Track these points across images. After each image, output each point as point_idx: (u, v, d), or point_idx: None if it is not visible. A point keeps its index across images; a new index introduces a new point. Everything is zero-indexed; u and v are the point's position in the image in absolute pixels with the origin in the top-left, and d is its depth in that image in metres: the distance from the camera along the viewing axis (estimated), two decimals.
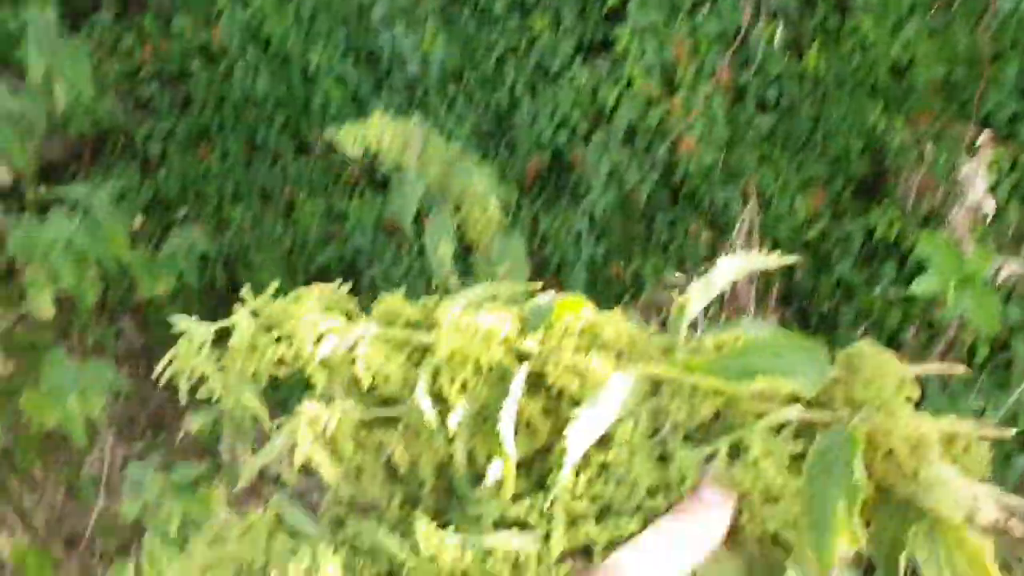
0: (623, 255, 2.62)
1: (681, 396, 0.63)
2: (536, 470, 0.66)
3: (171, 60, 3.31)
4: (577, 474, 0.62)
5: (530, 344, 0.65)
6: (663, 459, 0.63)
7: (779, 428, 0.63)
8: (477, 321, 0.65)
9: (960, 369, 0.67)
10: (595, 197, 2.59)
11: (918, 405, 0.63)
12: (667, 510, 0.62)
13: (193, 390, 0.67)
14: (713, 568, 0.63)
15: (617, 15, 2.52)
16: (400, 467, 0.66)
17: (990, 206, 1.96)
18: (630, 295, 2.59)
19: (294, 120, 3.20)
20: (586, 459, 0.62)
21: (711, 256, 2.41)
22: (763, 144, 2.43)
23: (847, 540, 0.57)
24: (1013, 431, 0.61)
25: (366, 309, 0.69)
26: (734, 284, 2.23)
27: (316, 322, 0.65)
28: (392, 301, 0.68)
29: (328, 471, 0.66)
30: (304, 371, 0.65)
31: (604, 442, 0.63)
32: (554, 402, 0.66)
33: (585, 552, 0.63)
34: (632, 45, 2.45)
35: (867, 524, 0.60)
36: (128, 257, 1.81)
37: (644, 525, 0.62)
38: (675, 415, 0.63)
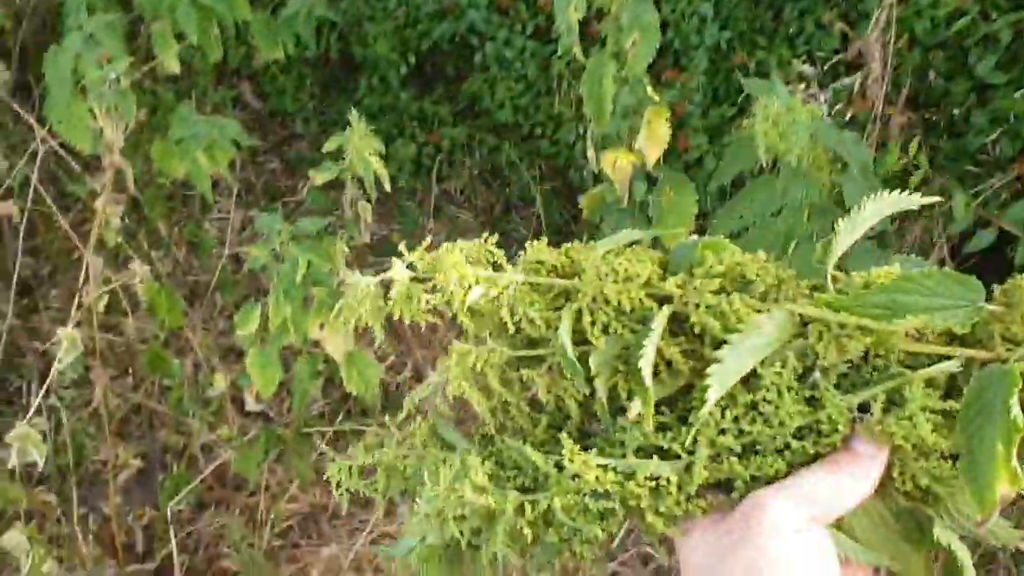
0: (748, 44, 2.51)
1: (829, 336, 0.62)
2: (679, 408, 0.67)
3: None
4: (723, 411, 0.63)
5: (671, 286, 0.66)
6: (812, 402, 0.63)
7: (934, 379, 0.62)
8: (619, 265, 0.67)
9: None
10: None
11: None
12: (814, 455, 0.62)
13: None
14: (859, 517, 0.63)
15: None
16: (545, 403, 0.69)
17: None
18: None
19: None
20: (732, 398, 0.63)
21: (842, 50, 2.30)
22: None
23: (1007, 482, 0.55)
24: None
25: (512, 255, 0.72)
26: (864, 81, 2.12)
27: (464, 273, 0.68)
28: (537, 250, 0.70)
29: (478, 404, 0.69)
30: (455, 317, 0.68)
31: (751, 382, 0.63)
32: (696, 343, 0.66)
33: (726, 487, 0.64)
34: None
35: None
36: (248, 17, 1.81)
37: (789, 467, 0.62)
38: (824, 356, 0.63)
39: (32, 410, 1.41)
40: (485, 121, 3.19)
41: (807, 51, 2.40)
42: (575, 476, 0.63)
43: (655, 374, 0.64)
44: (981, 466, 0.56)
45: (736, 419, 0.63)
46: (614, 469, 0.63)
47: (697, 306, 0.65)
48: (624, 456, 0.64)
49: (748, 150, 1.23)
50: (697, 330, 0.65)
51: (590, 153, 1.69)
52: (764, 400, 0.62)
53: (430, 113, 3.20)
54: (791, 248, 1.22)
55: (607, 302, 0.67)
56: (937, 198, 0.69)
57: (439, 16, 3.06)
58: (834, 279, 0.65)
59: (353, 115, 1.49)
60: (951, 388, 0.62)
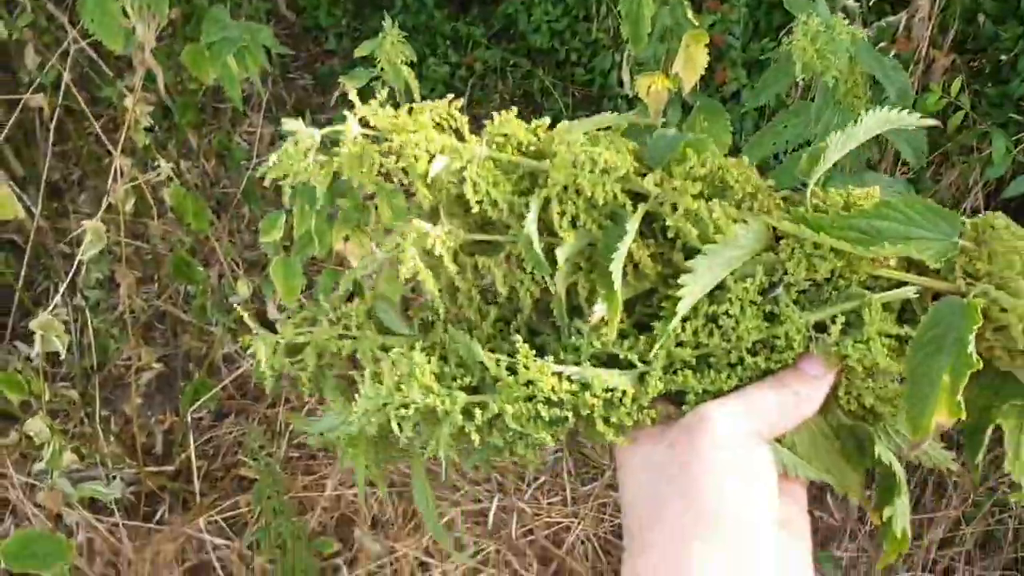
0: None
1: (801, 253, 0.61)
2: (638, 312, 0.65)
3: None
4: (683, 322, 0.62)
5: (649, 184, 0.63)
6: (770, 317, 0.62)
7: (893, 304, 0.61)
8: (595, 154, 0.62)
9: None
10: None
11: None
12: (766, 370, 0.62)
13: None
14: (800, 431, 0.63)
15: None
16: (499, 293, 0.65)
17: None
18: None
19: None
20: (695, 309, 0.62)
21: None
22: None
23: (947, 413, 0.55)
24: None
25: (479, 126, 0.66)
26: (910, 20, 2.07)
27: (428, 139, 0.62)
28: (505, 121, 0.64)
29: (429, 286, 0.64)
30: (412, 186, 0.64)
31: (715, 294, 0.62)
32: (666, 246, 0.64)
33: (676, 398, 0.63)
34: None
35: None
36: None
37: (740, 382, 0.62)
38: (792, 273, 0.62)
39: (54, 301, 1.43)
40: (520, 45, 3.15)
41: None
42: (529, 383, 0.61)
43: (621, 274, 0.61)
44: (924, 393, 0.56)
45: (696, 331, 0.62)
46: (569, 378, 0.61)
47: (675, 208, 0.62)
48: (579, 363, 0.62)
49: (785, 71, 1.20)
50: (670, 234, 0.63)
51: (625, 76, 1.66)
52: (726, 314, 0.61)
53: (464, 34, 3.16)
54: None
55: (579, 193, 0.63)
56: (931, 121, 0.67)
57: None
58: (812, 195, 0.63)
59: (387, 22, 1.47)
60: (904, 313, 0.62)
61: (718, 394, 0.61)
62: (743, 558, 0.55)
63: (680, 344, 0.62)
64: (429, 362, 0.62)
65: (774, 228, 0.62)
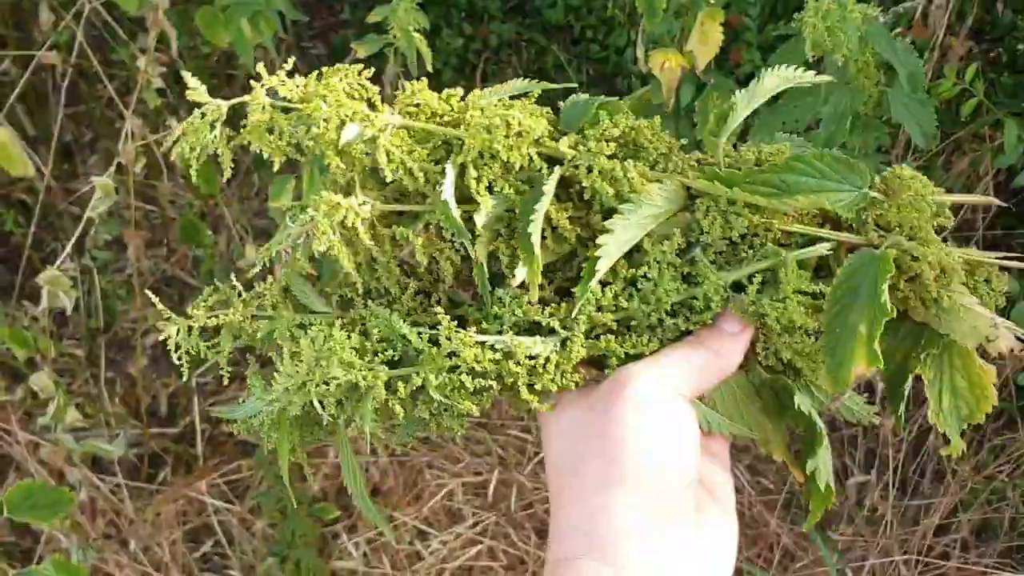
0: None
1: (716, 211, 0.62)
2: (559, 279, 0.65)
3: None
4: (603, 287, 0.62)
5: (564, 146, 0.62)
6: (688, 278, 0.63)
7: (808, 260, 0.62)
8: (509, 119, 0.61)
9: (996, 201, 0.67)
10: None
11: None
12: (685, 331, 0.63)
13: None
14: (721, 389, 0.63)
15: None
16: (419, 264, 0.64)
17: None
18: None
19: None
20: (614, 273, 0.62)
21: None
22: None
23: (866, 363, 0.56)
24: None
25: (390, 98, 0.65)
26: (927, 6, 2.06)
27: (339, 107, 0.61)
28: (416, 90, 0.64)
29: (345, 261, 0.63)
30: (322, 157, 0.62)
31: (634, 257, 0.62)
32: (583, 209, 0.64)
33: (599, 363, 0.63)
34: None
35: None
36: None
37: (661, 344, 0.62)
38: (709, 232, 0.62)
39: (61, 257, 1.43)
40: (535, 20, 3.13)
41: None
42: (451, 354, 0.60)
43: (541, 238, 0.61)
44: (842, 344, 0.57)
45: (616, 295, 0.62)
46: (492, 347, 0.61)
47: (590, 170, 0.62)
48: (501, 331, 0.62)
49: (797, 51, 1.19)
50: (587, 195, 0.63)
51: (639, 53, 1.65)
52: (644, 277, 0.62)
53: (480, 7, 3.14)
54: None
55: (494, 157, 0.62)
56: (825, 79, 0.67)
57: None
58: (724, 153, 0.64)
59: None
60: (820, 270, 0.63)
61: (640, 357, 0.61)
62: (661, 512, 0.56)
63: (600, 309, 0.62)
64: (349, 338, 0.61)
65: (689, 187, 0.62)
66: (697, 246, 0.62)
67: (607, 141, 0.62)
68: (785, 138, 0.69)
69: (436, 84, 0.65)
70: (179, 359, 0.67)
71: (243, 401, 0.67)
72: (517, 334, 0.62)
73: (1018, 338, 0.59)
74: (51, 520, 1.07)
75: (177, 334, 0.67)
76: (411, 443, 0.67)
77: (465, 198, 0.62)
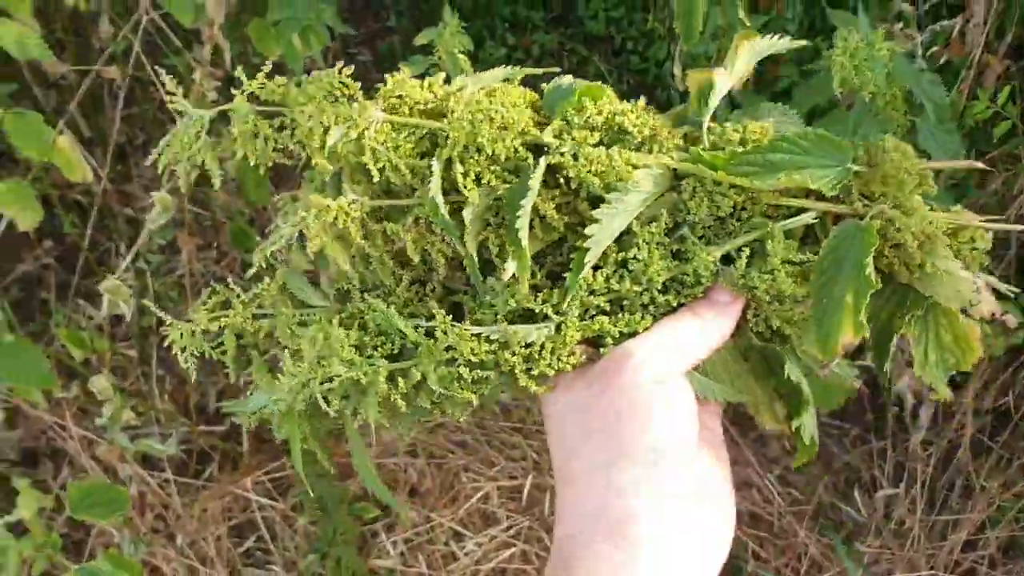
0: None
1: (702, 192, 0.62)
2: (549, 263, 0.66)
3: None
4: (594, 271, 0.63)
5: (548, 136, 0.63)
6: (678, 255, 0.64)
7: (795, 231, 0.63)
8: (492, 110, 0.62)
9: (978, 164, 0.68)
10: None
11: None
12: (677, 306, 0.64)
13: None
14: (713, 355, 0.64)
15: None
16: (411, 258, 0.65)
17: None
18: None
19: None
20: (604, 256, 0.63)
21: None
22: None
23: (851, 332, 0.58)
24: (1020, 227, 0.62)
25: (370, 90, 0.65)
26: (964, 25, 2.08)
27: (322, 110, 0.62)
28: (398, 82, 0.64)
29: (339, 259, 0.64)
30: (309, 160, 0.63)
31: (623, 239, 0.63)
32: (571, 196, 0.64)
33: (596, 342, 0.64)
34: None
35: None
36: None
37: (654, 320, 0.63)
38: (695, 212, 0.62)
39: (122, 267, 1.50)
40: (577, 31, 3.17)
41: None
42: (449, 347, 0.61)
43: (529, 228, 0.61)
44: (829, 315, 0.59)
45: (607, 278, 0.63)
46: (487, 339, 0.62)
47: (576, 158, 0.62)
48: (496, 321, 0.63)
49: (826, 82, 1.23)
50: (574, 184, 0.63)
51: (676, 71, 1.69)
52: (635, 258, 0.62)
53: (523, 17, 3.19)
54: None
55: (479, 151, 0.62)
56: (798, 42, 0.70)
57: None
58: (709, 131, 0.65)
59: (447, 10, 1.52)
60: (807, 238, 0.64)
61: (634, 334, 0.62)
62: (664, 483, 0.57)
63: (593, 293, 0.63)
64: (347, 335, 0.62)
65: (674, 169, 0.63)
66: (685, 225, 0.64)
67: (591, 129, 0.63)
68: (770, 108, 0.70)
69: None
70: (185, 362, 0.68)
71: (250, 395, 0.69)
72: (512, 322, 0.63)
73: (1000, 294, 0.60)
74: (109, 518, 1.14)
75: (181, 338, 0.68)
76: (420, 432, 0.69)
77: (453, 189, 0.63)
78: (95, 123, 2.65)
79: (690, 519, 0.57)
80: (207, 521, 2.09)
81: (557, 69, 0.68)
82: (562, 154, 0.62)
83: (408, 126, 0.64)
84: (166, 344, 0.70)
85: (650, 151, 0.63)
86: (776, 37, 0.69)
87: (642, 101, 0.65)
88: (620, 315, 0.63)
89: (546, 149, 0.63)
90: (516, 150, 0.62)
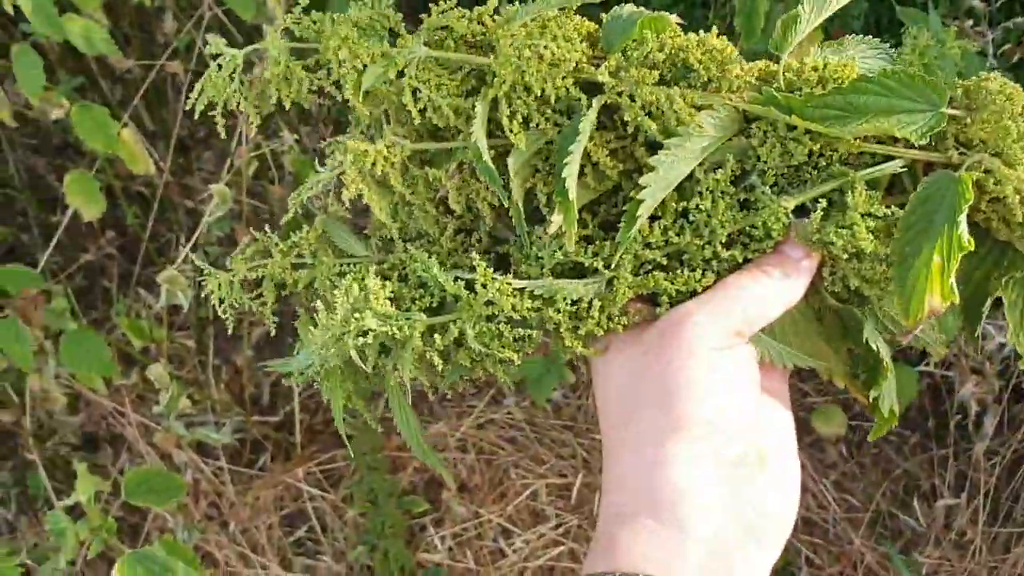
0: None
1: (775, 138, 0.56)
2: (603, 213, 0.61)
3: None
4: (651, 222, 0.57)
5: (603, 75, 0.57)
6: (746, 205, 0.58)
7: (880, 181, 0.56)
8: (542, 45, 0.56)
9: None
10: None
11: None
12: (743, 263, 0.58)
13: None
14: (782, 318, 0.58)
15: None
16: (454, 207, 0.61)
17: None
18: None
19: None
20: (663, 206, 0.57)
21: None
22: None
23: (939, 297, 0.52)
24: None
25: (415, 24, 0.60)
26: None
27: (358, 48, 0.58)
28: (443, 14, 0.60)
29: (377, 207, 0.60)
30: (346, 102, 0.59)
31: (684, 187, 0.57)
32: (628, 140, 0.59)
33: (651, 300, 0.59)
34: None
35: None
36: None
37: (717, 278, 0.57)
38: (766, 159, 0.57)
39: (180, 258, 1.53)
40: None
41: None
42: (489, 302, 0.57)
43: (579, 175, 0.56)
44: (914, 276, 0.52)
45: (665, 230, 0.57)
46: (531, 294, 0.57)
47: (632, 99, 0.56)
48: (542, 274, 0.58)
49: None
50: (630, 128, 0.58)
51: None
52: (696, 208, 0.57)
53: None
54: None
55: (528, 90, 0.57)
56: None
57: None
58: (786, 67, 0.58)
59: None
60: (892, 188, 0.58)
61: (694, 293, 0.57)
62: (718, 458, 0.52)
63: (648, 246, 0.57)
64: (384, 286, 0.58)
65: (744, 111, 0.57)
66: (754, 172, 0.58)
67: (650, 67, 0.57)
68: (856, 41, 0.62)
69: None
70: (224, 313, 0.65)
71: (297, 353, 0.64)
72: (559, 276, 0.58)
73: None
74: (163, 504, 1.16)
75: (220, 288, 0.65)
76: (462, 387, 0.64)
77: (500, 131, 0.58)
78: (158, 116, 2.69)
79: (746, 496, 0.53)
80: (259, 510, 2.12)
81: None
82: (619, 94, 0.57)
83: (452, 62, 0.59)
84: (210, 303, 0.67)
85: (718, 90, 0.57)
86: None
87: (714, 30, 0.59)
88: (679, 271, 0.57)
89: (602, 87, 0.58)
90: (567, 90, 0.57)
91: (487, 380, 2.23)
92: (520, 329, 0.57)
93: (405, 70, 0.58)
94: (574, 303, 0.57)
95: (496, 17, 0.61)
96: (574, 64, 0.57)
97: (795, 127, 0.56)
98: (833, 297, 0.59)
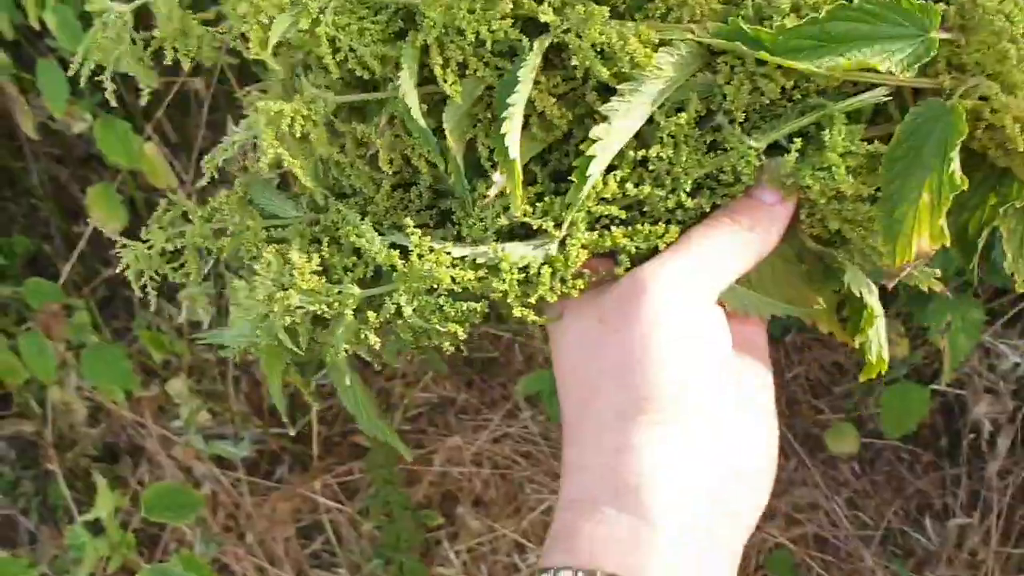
0: None
1: (743, 72, 0.50)
2: (554, 162, 0.55)
3: None
4: (607, 172, 0.51)
5: (546, 13, 0.50)
6: (712, 147, 0.52)
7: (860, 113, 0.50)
8: None
9: None
10: None
11: None
12: (711, 212, 0.52)
13: None
14: (758, 264, 0.53)
15: None
16: (385, 167, 0.55)
17: None
18: None
19: None
20: (620, 155, 0.51)
21: None
22: None
23: (930, 238, 0.47)
24: None
25: None
26: None
27: (259, 4, 0.52)
28: None
29: (301, 171, 0.54)
30: (258, 58, 0.53)
31: (643, 132, 0.51)
32: (575, 84, 0.53)
33: (611, 257, 0.53)
34: None
35: None
36: None
37: (683, 231, 0.52)
38: (732, 97, 0.50)
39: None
40: None
41: None
42: (427, 273, 0.51)
43: (524, 126, 0.50)
44: (901, 214, 0.47)
45: (622, 181, 0.51)
46: (473, 263, 0.51)
47: (580, 38, 0.49)
48: (486, 236, 0.52)
49: None
50: (580, 71, 0.51)
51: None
52: (657, 156, 0.51)
53: None
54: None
55: (461, 33, 0.50)
56: None
57: None
58: None
59: None
60: (877, 117, 0.52)
61: (656, 250, 0.51)
62: (693, 445, 0.47)
63: (604, 200, 0.51)
64: (311, 258, 0.52)
65: (709, 45, 0.50)
66: (721, 111, 0.51)
67: (599, 1, 0.50)
68: None
69: None
70: (143, 289, 0.60)
71: (232, 324, 0.57)
72: (506, 237, 0.52)
73: None
74: (181, 520, 1.18)
75: (137, 261, 0.59)
76: (410, 356, 0.60)
77: (434, 77, 0.52)
78: (181, 127, 2.72)
79: (718, 468, 0.48)
80: (276, 522, 2.14)
81: None
82: (565, 32, 0.50)
83: (375, 2, 0.52)
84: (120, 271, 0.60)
85: (679, 20, 0.50)
86: None
87: None
88: (640, 225, 0.51)
89: (546, 28, 0.51)
90: (506, 32, 0.50)
91: (503, 395, 2.25)
92: (463, 303, 0.51)
93: (321, 16, 0.51)
94: (522, 269, 0.51)
95: None
96: (512, 1, 0.50)
97: (765, 62, 0.49)
98: (813, 240, 0.54)
